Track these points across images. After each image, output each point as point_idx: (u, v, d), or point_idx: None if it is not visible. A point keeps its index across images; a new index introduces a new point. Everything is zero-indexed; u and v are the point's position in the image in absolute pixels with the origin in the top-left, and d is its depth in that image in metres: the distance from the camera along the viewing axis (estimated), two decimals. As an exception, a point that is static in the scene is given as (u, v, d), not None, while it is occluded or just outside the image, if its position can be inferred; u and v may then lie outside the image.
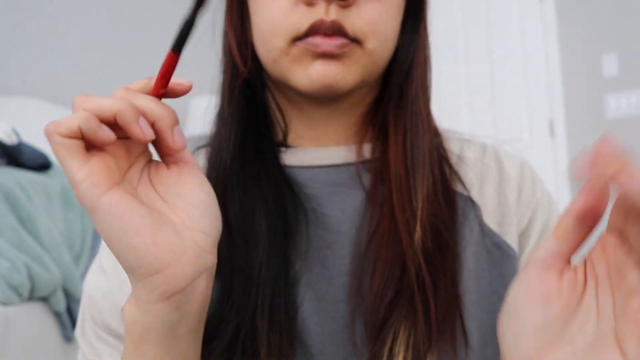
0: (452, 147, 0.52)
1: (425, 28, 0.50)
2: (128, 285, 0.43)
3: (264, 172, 0.47)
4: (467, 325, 0.43)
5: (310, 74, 0.43)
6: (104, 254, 0.48)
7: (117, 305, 0.44)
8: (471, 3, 3.02)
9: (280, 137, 0.51)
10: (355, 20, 0.43)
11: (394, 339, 0.40)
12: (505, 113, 2.93)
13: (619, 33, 2.71)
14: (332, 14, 0.42)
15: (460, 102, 2.96)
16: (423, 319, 0.41)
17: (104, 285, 0.45)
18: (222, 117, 0.50)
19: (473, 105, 2.95)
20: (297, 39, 0.43)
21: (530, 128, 2.88)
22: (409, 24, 0.50)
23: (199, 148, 0.54)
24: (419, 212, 0.44)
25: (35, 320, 1.44)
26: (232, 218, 0.45)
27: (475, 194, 0.50)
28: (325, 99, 0.47)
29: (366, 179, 0.48)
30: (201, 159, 0.51)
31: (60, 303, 1.51)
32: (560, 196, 2.71)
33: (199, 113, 2.70)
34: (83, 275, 1.69)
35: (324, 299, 0.44)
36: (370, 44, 0.44)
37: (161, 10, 3.08)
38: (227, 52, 0.51)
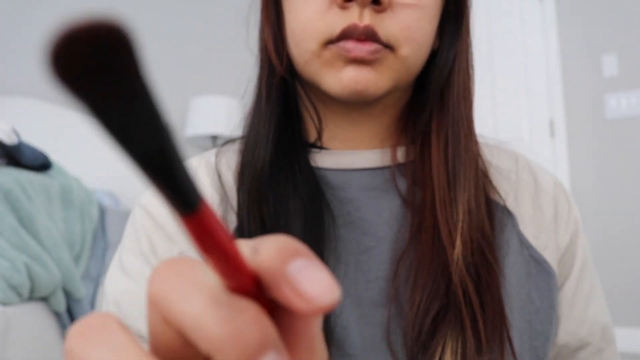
0: (483, 154, 0.51)
1: (467, 32, 0.49)
2: None
3: (299, 173, 0.46)
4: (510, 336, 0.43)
5: (342, 78, 0.43)
6: (125, 254, 0.46)
7: None
8: (471, 3, 3.02)
9: (313, 137, 0.50)
10: (389, 26, 0.42)
11: (442, 353, 0.39)
12: (505, 113, 2.93)
13: (619, 33, 2.71)
14: (366, 18, 0.41)
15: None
16: (472, 334, 0.40)
17: (131, 289, 0.43)
18: (260, 115, 0.49)
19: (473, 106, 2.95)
20: (330, 42, 0.42)
21: (530, 128, 2.88)
22: (449, 29, 0.48)
23: (228, 142, 0.52)
24: (459, 225, 0.43)
25: (35, 320, 1.44)
26: (267, 218, 0.44)
27: (510, 204, 0.49)
28: (356, 103, 0.47)
29: (401, 183, 0.48)
30: (232, 155, 0.50)
31: (60, 303, 1.51)
32: (560, 196, 2.71)
33: (199, 113, 2.70)
34: (83, 276, 1.69)
35: (363, 304, 0.43)
36: (404, 51, 0.43)
37: (161, 11, 3.08)
38: (264, 51, 0.50)
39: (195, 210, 0.15)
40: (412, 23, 0.43)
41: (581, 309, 0.50)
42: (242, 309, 0.16)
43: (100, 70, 0.11)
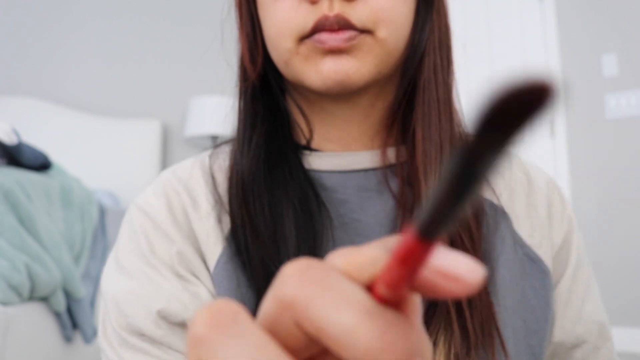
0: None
1: (439, 12, 0.48)
2: (165, 289, 0.43)
3: (290, 177, 0.47)
4: (503, 334, 0.43)
5: (322, 71, 0.43)
6: (122, 253, 0.46)
7: (152, 309, 0.42)
8: (471, 3, 3.02)
9: (303, 140, 0.50)
10: (361, 11, 0.42)
11: (433, 351, 0.40)
12: (505, 113, 2.92)
13: (619, 33, 2.71)
14: (336, 8, 0.42)
15: (460, 102, 2.96)
16: (459, 331, 0.40)
17: (132, 287, 0.43)
18: (243, 120, 0.50)
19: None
20: (304, 37, 0.43)
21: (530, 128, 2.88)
22: (422, 10, 0.48)
23: (219, 145, 0.53)
24: None
25: (35, 320, 1.44)
26: (261, 223, 0.44)
27: (504, 203, 0.49)
28: (342, 95, 0.46)
29: (394, 183, 0.48)
30: (226, 157, 0.50)
31: (60, 303, 1.51)
32: (560, 196, 2.71)
33: (199, 113, 2.70)
34: (83, 275, 1.69)
35: None
36: (382, 33, 0.43)
37: (163, 13, 3.08)
38: (241, 58, 0.51)
39: (433, 241, 0.15)
40: (385, 4, 0.43)
41: (577, 306, 0.50)
42: (394, 320, 0.16)
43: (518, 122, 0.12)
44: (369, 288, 0.18)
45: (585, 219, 2.69)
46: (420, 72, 0.47)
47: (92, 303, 1.73)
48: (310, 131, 0.50)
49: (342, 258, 0.18)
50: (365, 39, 0.43)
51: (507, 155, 0.13)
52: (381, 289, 0.17)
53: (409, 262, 0.16)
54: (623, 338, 2.50)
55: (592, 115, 2.75)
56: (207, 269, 0.45)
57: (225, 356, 0.16)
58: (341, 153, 0.49)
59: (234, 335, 0.16)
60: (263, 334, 0.17)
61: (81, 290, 1.60)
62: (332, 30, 0.42)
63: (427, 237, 0.15)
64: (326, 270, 0.17)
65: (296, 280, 0.17)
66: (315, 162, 0.49)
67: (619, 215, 2.64)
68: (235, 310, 0.17)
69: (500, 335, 0.42)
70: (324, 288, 0.17)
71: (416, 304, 0.18)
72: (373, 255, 0.18)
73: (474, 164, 0.13)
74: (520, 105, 0.12)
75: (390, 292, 0.17)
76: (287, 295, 0.17)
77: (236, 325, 0.17)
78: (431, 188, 0.14)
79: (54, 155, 2.21)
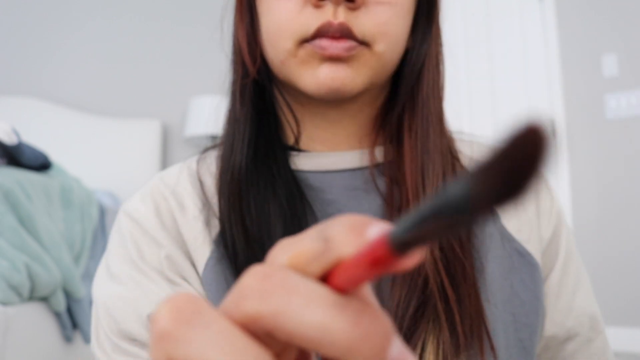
0: (463, 149, 0.52)
1: (437, 29, 0.50)
2: (155, 293, 0.43)
3: (278, 176, 0.47)
4: (492, 328, 0.43)
5: (318, 76, 0.43)
6: (112, 260, 0.46)
7: (141, 313, 0.42)
8: (471, 3, 3.02)
9: (292, 139, 0.51)
10: (364, 22, 0.43)
11: (423, 350, 0.40)
12: (505, 113, 2.92)
13: (619, 33, 2.71)
14: (340, 16, 0.42)
15: (460, 102, 2.96)
16: (448, 329, 0.40)
17: (122, 293, 0.44)
18: (233, 119, 0.50)
19: (473, 105, 2.95)
20: (305, 40, 0.43)
21: (530, 128, 2.88)
22: (421, 25, 0.49)
23: (209, 149, 0.53)
24: None
25: (35, 320, 1.44)
26: (248, 223, 0.44)
27: None
28: (333, 101, 0.47)
29: (381, 183, 0.48)
30: (213, 161, 0.51)
31: (60, 303, 1.51)
32: (560, 196, 2.71)
33: (199, 113, 2.70)
34: (83, 275, 1.69)
35: None
36: (379, 47, 0.44)
37: (163, 13, 3.08)
38: (237, 53, 0.51)
39: (402, 255, 0.15)
40: (386, 19, 0.44)
41: (567, 299, 0.51)
42: (361, 308, 0.16)
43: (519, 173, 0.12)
44: (322, 281, 0.18)
45: (585, 219, 2.69)
46: (419, 87, 0.48)
47: (92, 303, 1.73)
48: (299, 132, 0.50)
49: (286, 253, 0.18)
50: (363, 50, 0.43)
51: (509, 205, 0.13)
52: (341, 283, 0.17)
53: (376, 267, 0.16)
54: (623, 338, 2.50)
55: (592, 115, 2.75)
56: (197, 272, 0.45)
57: (193, 348, 0.16)
58: (328, 153, 0.49)
59: (200, 326, 0.16)
60: (229, 322, 0.17)
61: (81, 290, 1.60)
62: (334, 37, 0.42)
63: (400, 252, 0.15)
64: (283, 273, 0.17)
65: (257, 293, 0.17)
66: (302, 162, 0.49)
67: (619, 215, 2.64)
68: (197, 302, 0.17)
69: (489, 335, 0.42)
70: (286, 293, 0.16)
71: (366, 285, 0.18)
72: (315, 249, 0.18)
73: (474, 207, 0.13)
74: (521, 159, 0.12)
75: (350, 287, 0.17)
76: (252, 310, 0.17)
77: (201, 316, 0.17)
78: (418, 207, 0.14)
79: (54, 155, 2.21)
